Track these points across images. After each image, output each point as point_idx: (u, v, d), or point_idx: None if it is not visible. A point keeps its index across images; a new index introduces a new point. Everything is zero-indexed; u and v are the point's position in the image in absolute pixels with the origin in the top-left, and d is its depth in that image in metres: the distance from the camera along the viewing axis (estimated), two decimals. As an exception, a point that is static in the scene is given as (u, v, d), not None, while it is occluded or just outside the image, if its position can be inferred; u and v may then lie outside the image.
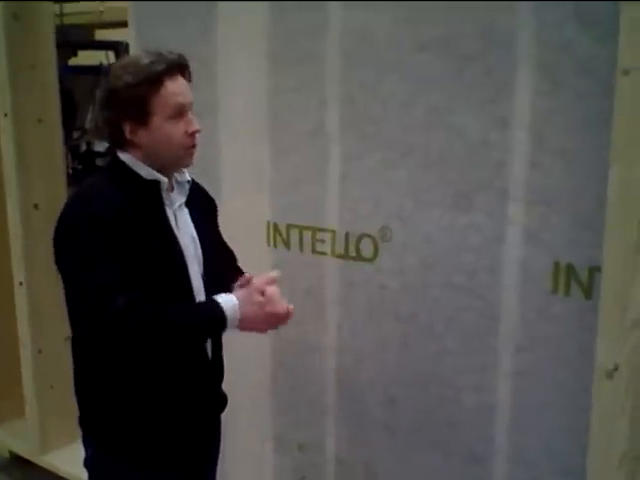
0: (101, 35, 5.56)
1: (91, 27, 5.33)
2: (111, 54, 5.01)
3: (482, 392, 1.98)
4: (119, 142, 1.64)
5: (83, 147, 5.21)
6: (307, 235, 2.22)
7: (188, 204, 1.73)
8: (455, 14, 1.85)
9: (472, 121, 1.87)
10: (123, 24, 2.71)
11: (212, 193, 1.91)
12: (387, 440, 2.20)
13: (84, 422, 1.73)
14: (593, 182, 1.70)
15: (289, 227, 2.25)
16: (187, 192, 1.73)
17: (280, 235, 2.28)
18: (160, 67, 1.57)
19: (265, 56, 2.22)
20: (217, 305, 1.58)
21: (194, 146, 1.66)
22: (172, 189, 1.70)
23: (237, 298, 1.60)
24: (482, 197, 1.89)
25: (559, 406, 1.87)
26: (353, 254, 2.13)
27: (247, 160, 2.32)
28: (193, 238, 1.72)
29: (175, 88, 1.60)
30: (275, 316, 1.65)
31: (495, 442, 1.98)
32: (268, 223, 2.30)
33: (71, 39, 4.66)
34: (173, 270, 1.65)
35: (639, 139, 1.45)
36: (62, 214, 1.60)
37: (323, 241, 2.18)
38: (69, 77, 4.54)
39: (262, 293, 1.63)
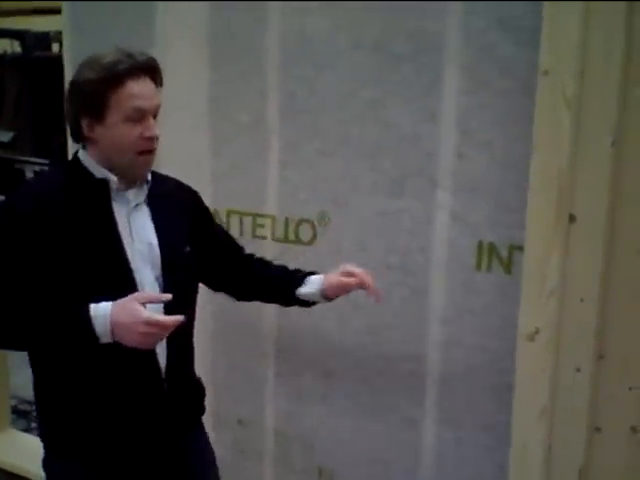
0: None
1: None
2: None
3: (413, 361, 2.17)
4: (78, 137, 1.64)
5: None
6: (247, 221, 2.34)
7: (151, 203, 1.69)
8: (389, 16, 2.02)
9: (404, 115, 2.06)
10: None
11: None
12: (324, 412, 2.36)
13: (40, 424, 1.75)
14: (513, 171, 1.92)
15: (229, 212, 2.37)
16: (146, 192, 1.68)
17: (220, 221, 2.38)
18: (123, 67, 1.55)
19: (205, 48, 2.31)
20: (87, 310, 1.50)
21: (150, 152, 1.62)
22: (127, 188, 1.65)
23: (113, 304, 1.50)
24: (413, 184, 2.08)
25: (483, 370, 2.08)
26: (292, 238, 2.28)
27: (187, 148, 2.40)
28: (148, 238, 1.66)
29: (136, 90, 1.56)
30: (151, 323, 1.47)
31: (425, 406, 2.18)
32: (207, 210, 2.40)
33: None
34: (112, 272, 1.59)
35: (556, 131, 1.67)
36: None
37: (263, 226, 2.31)
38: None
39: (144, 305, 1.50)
